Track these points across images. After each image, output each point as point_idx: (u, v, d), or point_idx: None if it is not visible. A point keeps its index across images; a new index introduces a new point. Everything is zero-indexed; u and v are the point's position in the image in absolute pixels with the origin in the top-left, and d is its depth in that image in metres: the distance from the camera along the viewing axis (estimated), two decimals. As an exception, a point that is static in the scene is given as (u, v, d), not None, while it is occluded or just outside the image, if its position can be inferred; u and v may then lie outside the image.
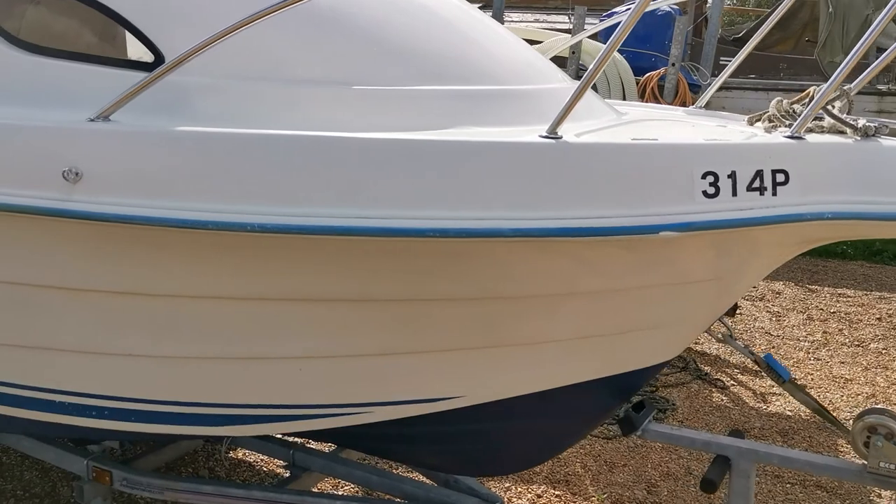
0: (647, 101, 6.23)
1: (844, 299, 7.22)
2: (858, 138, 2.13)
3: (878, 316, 6.78)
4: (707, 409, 5.04)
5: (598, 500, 3.99)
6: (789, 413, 5.03)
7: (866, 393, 5.31)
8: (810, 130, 2.17)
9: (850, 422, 2.68)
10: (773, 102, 2.34)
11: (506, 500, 3.91)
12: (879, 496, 4.11)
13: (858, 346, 6.14)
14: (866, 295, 7.37)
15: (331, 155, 2.06)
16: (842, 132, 2.17)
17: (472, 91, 2.42)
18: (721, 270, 2.39)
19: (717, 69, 7.88)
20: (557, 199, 2.01)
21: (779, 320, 6.60)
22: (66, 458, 3.23)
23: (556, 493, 4.06)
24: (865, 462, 2.54)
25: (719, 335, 2.94)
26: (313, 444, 3.54)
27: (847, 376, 5.58)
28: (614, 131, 2.42)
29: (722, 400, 5.19)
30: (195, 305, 2.34)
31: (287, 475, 3.60)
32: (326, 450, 3.60)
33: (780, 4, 3.06)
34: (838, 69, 2.08)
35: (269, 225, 2.01)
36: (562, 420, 2.74)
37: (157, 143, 2.12)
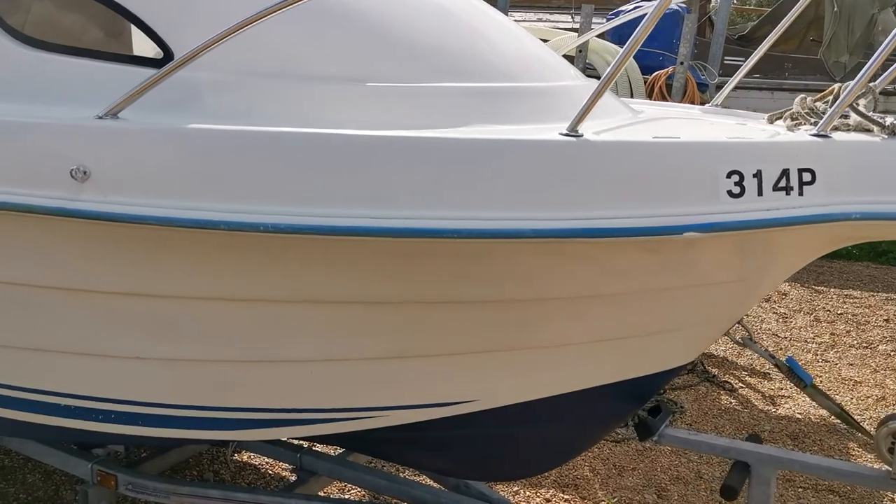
0: (655, 100, 6.17)
1: (851, 300, 7.17)
2: (885, 136, 2.08)
3: (885, 317, 6.73)
4: (716, 412, 4.99)
5: (607, 504, 3.95)
6: (799, 416, 4.98)
7: (876, 395, 5.26)
8: (836, 129, 2.12)
9: (873, 427, 2.63)
10: (798, 100, 2.29)
11: (514, 504, 3.87)
12: (893, 501, 4.06)
13: (867, 347, 6.09)
14: (873, 296, 7.32)
15: (345, 153, 2.00)
16: (868, 130, 2.12)
17: (487, 88, 2.37)
18: (743, 272, 2.34)
19: (723, 68, 7.83)
20: (579, 199, 1.96)
21: (786, 322, 6.55)
22: (71, 462, 3.18)
23: (566, 497, 4.01)
24: (889, 468, 2.49)
25: (739, 338, 2.88)
26: (320, 447, 3.49)
27: (856, 378, 5.53)
28: (633, 129, 2.37)
29: (731, 403, 5.14)
30: (205, 307, 2.29)
31: (294, 479, 3.56)
32: (333, 453, 3.55)
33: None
34: (866, 66, 2.03)
35: (282, 225, 1.96)
36: (577, 424, 2.69)
37: (166, 141, 2.07)
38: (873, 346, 6.09)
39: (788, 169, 2.01)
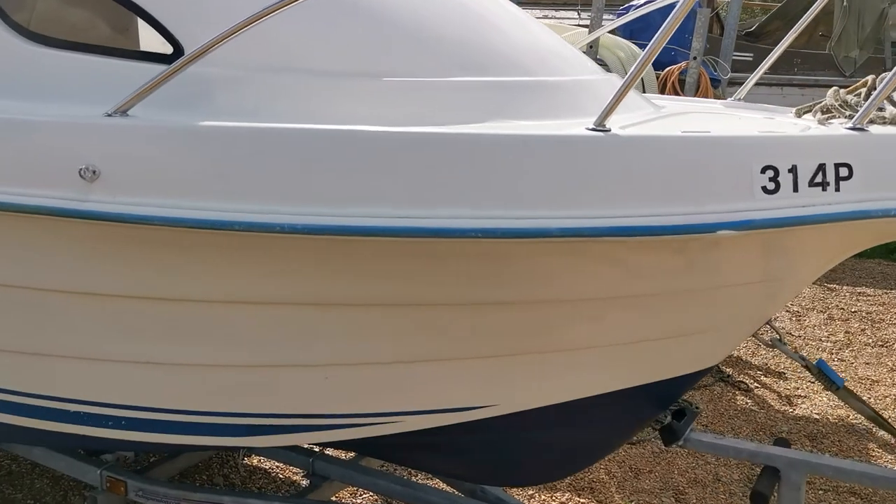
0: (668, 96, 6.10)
1: (865, 298, 7.08)
2: None
3: (900, 315, 6.65)
4: (731, 413, 4.91)
5: (625, 507, 3.87)
6: (817, 416, 4.90)
7: (894, 395, 5.18)
8: (871, 122, 2.05)
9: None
10: (831, 92, 2.21)
11: (530, 508, 3.80)
12: (916, 504, 3.98)
13: (882, 346, 6.00)
14: (886, 293, 7.23)
15: (362, 151, 1.93)
16: (905, 124, 2.04)
17: (505, 82, 2.29)
18: (773, 271, 2.27)
19: (730, 64, 7.73)
20: (607, 197, 1.89)
21: (799, 320, 6.46)
22: (79, 468, 3.12)
23: (581, 500, 3.94)
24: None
25: (768, 340, 2.81)
26: (331, 451, 3.42)
27: (873, 377, 5.45)
28: (659, 124, 2.30)
29: (746, 403, 5.06)
30: (218, 310, 2.22)
31: (306, 484, 3.49)
32: (345, 457, 3.48)
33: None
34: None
35: (299, 226, 1.89)
36: (599, 429, 2.62)
37: (178, 139, 2.00)
38: (889, 345, 6.00)
39: (825, 164, 1.94)
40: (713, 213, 1.89)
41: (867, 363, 5.68)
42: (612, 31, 5.88)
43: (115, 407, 2.49)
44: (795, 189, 1.93)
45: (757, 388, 5.24)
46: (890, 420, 4.72)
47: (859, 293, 7.21)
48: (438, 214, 1.89)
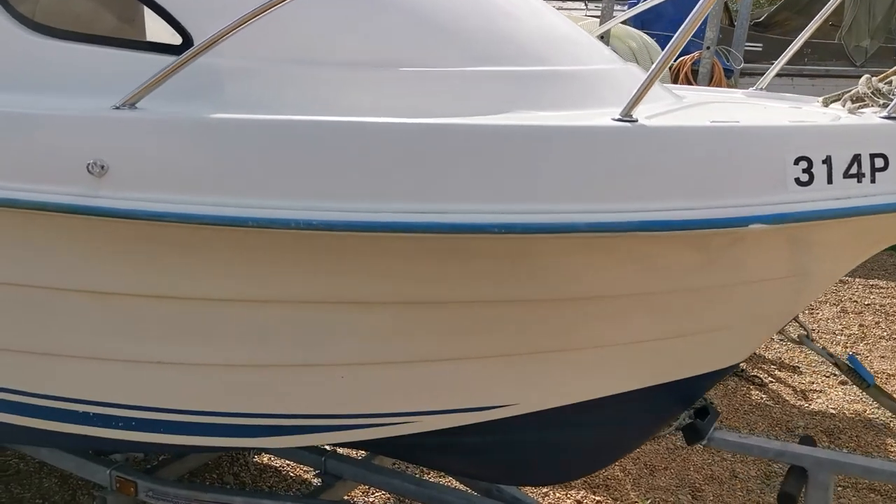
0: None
1: (878, 291, 7.00)
2: None
3: (914, 308, 6.57)
4: (746, 408, 4.85)
5: (641, 505, 3.81)
6: (833, 411, 4.83)
7: (912, 389, 5.11)
8: None
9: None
10: (863, 80, 2.13)
11: (545, 506, 3.74)
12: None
13: (897, 339, 5.94)
14: (899, 286, 7.15)
15: (379, 144, 1.86)
16: (940, 113, 1.96)
17: (525, 72, 2.22)
18: (802, 265, 2.20)
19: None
20: (635, 190, 1.82)
21: (812, 313, 6.38)
22: (88, 468, 3.07)
23: (597, 498, 3.88)
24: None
25: (796, 336, 2.74)
26: (343, 449, 3.37)
27: (889, 371, 5.38)
28: (684, 114, 2.23)
29: (761, 398, 4.99)
30: (232, 309, 2.15)
31: (317, 482, 3.43)
32: (358, 456, 3.43)
33: None
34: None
35: (315, 221, 1.82)
36: (620, 427, 2.56)
37: (189, 132, 1.93)
38: (904, 338, 5.94)
39: (860, 154, 1.86)
40: (745, 207, 1.82)
41: (883, 357, 5.61)
42: (623, 21, 5.79)
43: (125, 407, 2.43)
44: (830, 181, 1.86)
45: (771, 382, 5.17)
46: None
47: (872, 285, 7.12)
48: (458, 209, 1.82)
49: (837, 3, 3.01)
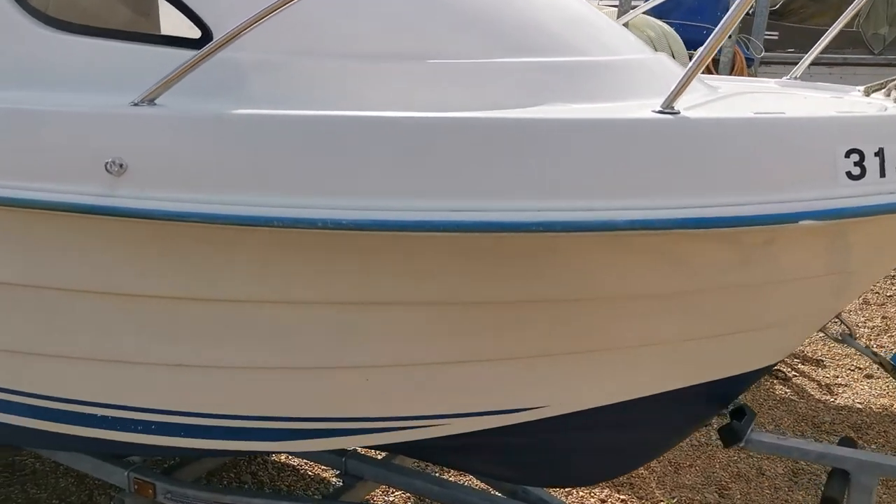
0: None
1: (900, 282, 6.88)
2: None
3: (937, 299, 6.46)
4: (771, 403, 4.76)
5: (667, 504, 3.74)
6: (859, 406, 4.74)
7: (940, 383, 5.01)
8: None
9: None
10: (912, 69, 2.04)
11: (570, 505, 3.67)
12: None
13: (922, 331, 5.83)
14: (921, 277, 7.03)
15: (411, 140, 1.78)
16: None
17: (558, 63, 2.14)
18: (847, 263, 2.11)
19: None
20: (678, 185, 1.74)
21: (834, 305, 6.28)
22: (105, 469, 3.01)
23: (622, 497, 3.81)
24: None
25: (838, 335, 2.65)
26: (363, 449, 3.30)
27: (915, 365, 5.28)
28: (723, 105, 2.14)
29: (785, 392, 4.90)
30: (255, 311, 2.08)
31: (335, 481, 3.37)
32: (378, 456, 3.37)
33: None
34: None
35: (343, 221, 1.75)
36: (652, 429, 2.48)
37: (210, 128, 1.85)
38: (929, 331, 5.83)
39: None
40: (794, 202, 1.74)
41: (907, 349, 5.51)
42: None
43: (144, 411, 2.37)
44: (882, 174, 1.77)
45: (795, 376, 5.08)
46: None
47: (893, 277, 7.00)
48: (493, 207, 1.74)
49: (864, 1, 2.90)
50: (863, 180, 1.76)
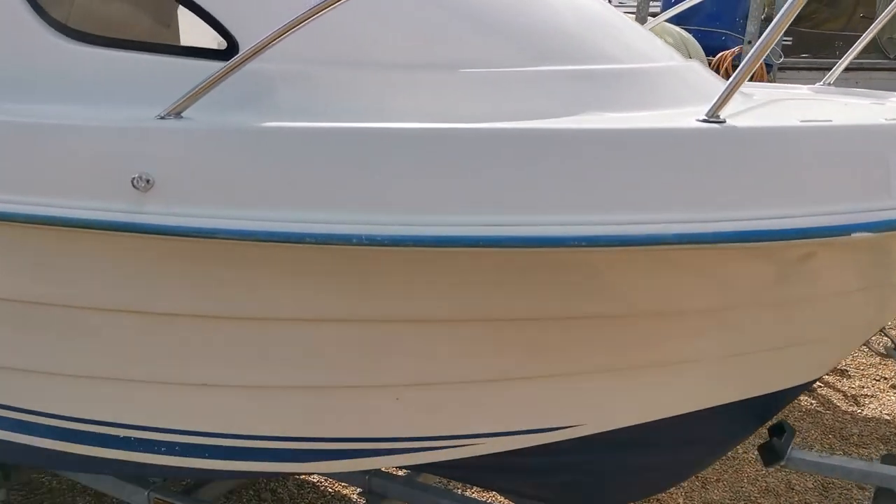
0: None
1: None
2: None
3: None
4: (797, 415, 4.66)
5: (696, 520, 3.66)
6: (887, 417, 4.64)
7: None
8: None
9: None
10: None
11: (596, 522, 3.59)
12: None
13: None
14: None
15: (447, 152, 1.72)
16: None
17: (594, 71, 2.08)
18: (891, 276, 2.04)
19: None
20: (727, 197, 1.67)
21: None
22: (126, 489, 2.95)
23: (648, 513, 3.72)
24: None
25: (882, 349, 2.57)
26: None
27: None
28: (766, 113, 2.07)
29: (811, 403, 4.81)
30: (284, 329, 2.02)
31: (356, 498, 3.30)
32: (402, 472, 3.30)
33: None
34: None
35: (379, 237, 1.69)
36: (689, 447, 2.41)
37: (240, 142, 1.80)
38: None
39: None
40: (846, 214, 1.67)
41: (934, 358, 5.41)
42: (655, 15, 5.61)
43: (169, 432, 2.31)
44: None
45: (820, 386, 4.99)
46: None
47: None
48: (535, 221, 1.68)
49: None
50: None
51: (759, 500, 3.83)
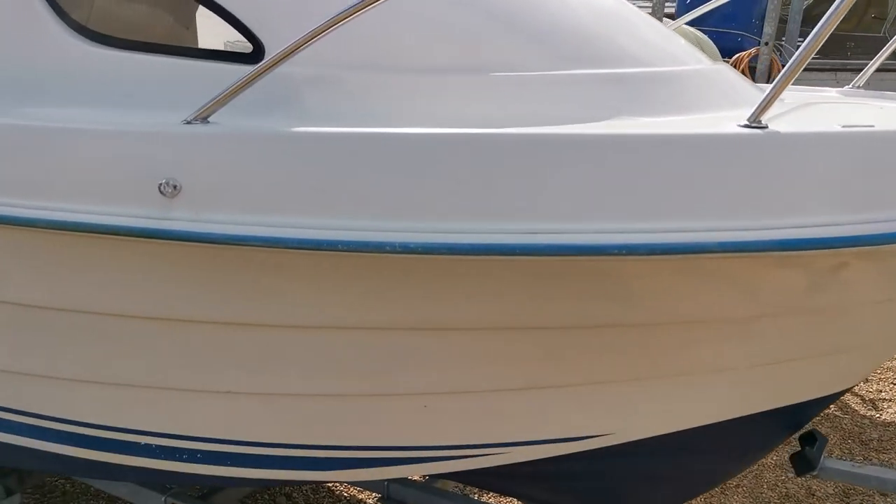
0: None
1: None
2: None
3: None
4: (815, 420, 4.61)
5: (717, 527, 3.62)
6: (906, 421, 4.60)
7: None
8: None
9: None
10: None
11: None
12: None
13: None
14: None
15: (480, 157, 1.69)
16: None
17: (627, 74, 2.04)
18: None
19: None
20: (769, 205, 1.63)
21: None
22: (142, 494, 2.92)
23: (668, 519, 3.68)
24: None
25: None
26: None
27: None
28: (804, 118, 2.03)
29: (829, 408, 4.76)
30: (312, 336, 1.99)
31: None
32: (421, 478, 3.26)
33: None
34: None
35: (413, 244, 1.65)
36: (719, 456, 2.37)
37: (269, 147, 1.76)
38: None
39: None
40: (892, 221, 1.63)
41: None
42: (670, 16, 5.58)
43: (190, 439, 2.28)
44: None
45: (838, 391, 4.94)
46: None
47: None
48: (570, 229, 1.64)
49: None
50: None
51: (779, 507, 3.79)
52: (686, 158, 1.65)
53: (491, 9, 2.06)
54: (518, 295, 1.85)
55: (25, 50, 2.14)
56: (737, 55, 6.24)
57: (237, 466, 2.29)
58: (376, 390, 2.09)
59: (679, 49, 2.38)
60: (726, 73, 2.41)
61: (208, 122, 1.81)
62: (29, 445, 2.37)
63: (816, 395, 2.30)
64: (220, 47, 2.44)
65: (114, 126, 1.85)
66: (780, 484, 3.95)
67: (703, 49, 6.10)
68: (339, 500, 3.82)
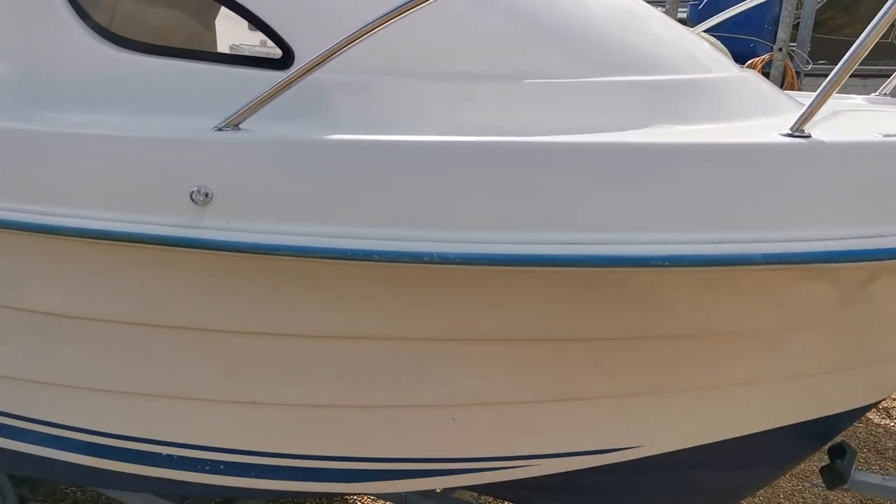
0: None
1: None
2: None
3: None
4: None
5: (735, 538, 3.58)
6: (921, 431, 4.57)
7: None
8: None
9: None
10: None
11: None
12: None
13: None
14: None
15: (520, 166, 1.66)
16: None
17: (660, 82, 2.01)
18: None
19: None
20: (814, 215, 1.60)
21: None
22: (157, 504, 2.89)
23: (685, 529, 3.64)
24: None
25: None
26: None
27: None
28: (842, 126, 2.01)
29: (843, 417, 4.73)
30: (339, 347, 1.96)
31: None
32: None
33: None
34: None
35: (451, 255, 1.62)
36: (747, 469, 2.34)
37: (302, 155, 1.74)
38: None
39: None
40: None
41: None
42: (682, 21, 5.55)
43: (213, 450, 2.24)
44: None
45: (851, 400, 4.91)
46: None
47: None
48: (610, 240, 1.61)
49: None
50: None
51: (796, 517, 3.76)
52: (728, 168, 1.62)
53: (523, 15, 2.04)
54: (552, 306, 1.82)
55: (48, 53, 2.11)
56: (750, 61, 6.22)
57: (258, 477, 2.25)
58: (404, 402, 2.06)
59: (708, 56, 2.36)
60: (754, 80, 2.39)
61: (240, 128, 1.79)
62: (48, 455, 2.34)
63: (846, 407, 2.27)
64: (227, 50, 2.41)
65: (144, 133, 1.83)
66: (796, 493, 3.91)
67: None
68: (353, 509, 3.78)
